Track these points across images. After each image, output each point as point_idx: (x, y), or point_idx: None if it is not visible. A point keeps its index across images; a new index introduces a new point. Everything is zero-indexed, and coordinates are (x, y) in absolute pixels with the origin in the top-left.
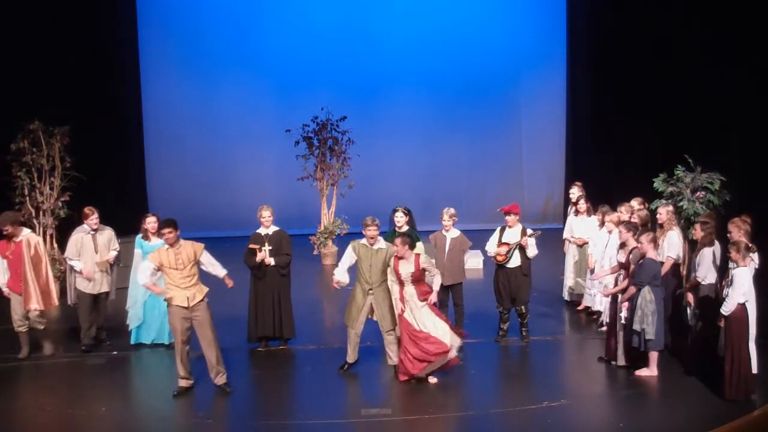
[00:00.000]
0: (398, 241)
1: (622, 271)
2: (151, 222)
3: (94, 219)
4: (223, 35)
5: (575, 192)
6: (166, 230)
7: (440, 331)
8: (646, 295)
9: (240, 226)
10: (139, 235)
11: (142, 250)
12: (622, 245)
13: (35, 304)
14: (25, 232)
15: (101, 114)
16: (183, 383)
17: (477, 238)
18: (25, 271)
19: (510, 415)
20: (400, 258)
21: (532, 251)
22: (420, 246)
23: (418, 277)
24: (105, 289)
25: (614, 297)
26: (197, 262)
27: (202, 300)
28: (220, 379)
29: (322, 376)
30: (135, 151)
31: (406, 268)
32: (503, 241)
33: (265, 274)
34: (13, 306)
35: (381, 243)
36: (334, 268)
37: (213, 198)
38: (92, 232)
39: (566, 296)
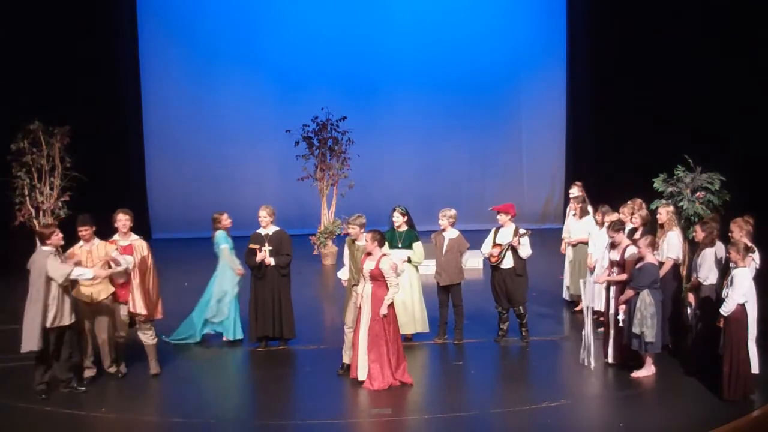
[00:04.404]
0: (368, 236)
1: (616, 268)
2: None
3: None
4: (223, 35)
5: (575, 192)
6: (83, 227)
7: (361, 360)
8: (646, 298)
9: (240, 226)
10: (222, 231)
11: (228, 245)
12: (613, 245)
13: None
14: (133, 237)
15: (101, 114)
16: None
17: (477, 239)
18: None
19: (510, 415)
20: (369, 254)
21: (525, 251)
22: (418, 245)
23: (376, 276)
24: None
25: (607, 295)
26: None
27: (106, 298)
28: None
29: (322, 376)
30: (135, 151)
31: (368, 265)
32: (497, 242)
33: (265, 274)
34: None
35: (363, 240)
36: (335, 268)
37: (213, 198)
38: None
39: (566, 296)
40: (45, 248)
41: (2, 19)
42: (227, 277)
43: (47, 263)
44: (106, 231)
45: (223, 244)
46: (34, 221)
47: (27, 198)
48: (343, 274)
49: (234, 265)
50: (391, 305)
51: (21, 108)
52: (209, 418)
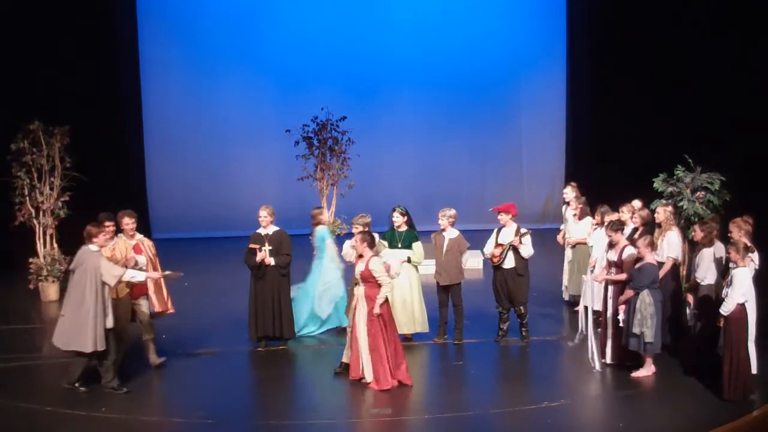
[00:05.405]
0: (357, 237)
1: (614, 269)
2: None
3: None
4: (223, 35)
5: (569, 192)
6: (110, 224)
7: (364, 361)
8: (645, 298)
9: (240, 226)
10: (323, 226)
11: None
12: (611, 245)
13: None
14: (138, 236)
15: (101, 114)
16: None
17: (477, 239)
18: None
19: (510, 415)
20: (360, 256)
21: (526, 251)
22: (418, 245)
23: (367, 277)
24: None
25: (605, 295)
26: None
27: (126, 294)
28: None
29: (322, 376)
30: (135, 151)
31: (359, 266)
32: (499, 242)
33: (265, 274)
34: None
35: None
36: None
37: (213, 198)
38: None
39: (566, 296)
40: (92, 247)
41: (2, 19)
42: (331, 270)
43: (101, 264)
44: None
45: (327, 238)
46: (34, 221)
47: (27, 198)
48: (346, 247)
49: (336, 259)
50: (387, 307)
51: (21, 108)
52: (209, 418)
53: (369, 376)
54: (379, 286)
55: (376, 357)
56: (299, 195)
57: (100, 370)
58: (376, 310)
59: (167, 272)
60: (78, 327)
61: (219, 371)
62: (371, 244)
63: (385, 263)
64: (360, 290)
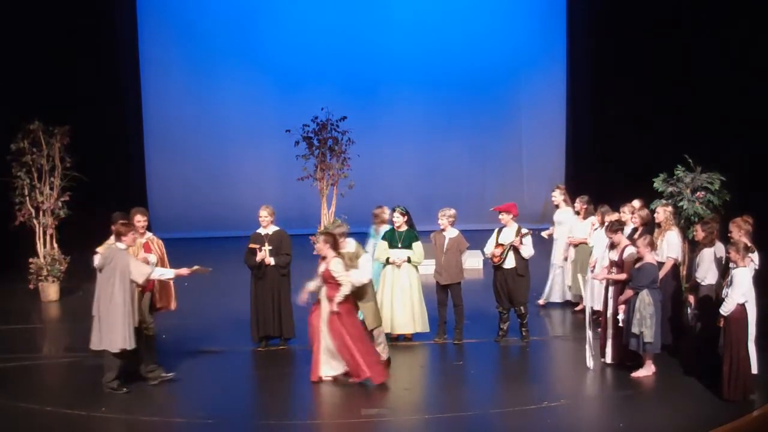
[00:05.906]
0: (321, 239)
1: (615, 268)
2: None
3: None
4: (223, 35)
5: (557, 195)
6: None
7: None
8: (645, 298)
9: (240, 226)
10: (384, 225)
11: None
12: (612, 245)
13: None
14: (148, 234)
15: (101, 114)
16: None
17: (477, 239)
18: None
19: (510, 415)
20: (324, 257)
21: (527, 251)
22: (418, 245)
23: (327, 278)
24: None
25: (606, 295)
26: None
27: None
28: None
29: None
30: (135, 151)
31: (321, 267)
32: (499, 242)
33: (265, 274)
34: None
35: (349, 245)
36: None
37: (213, 198)
38: None
39: (566, 296)
40: (120, 245)
41: (2, 19)
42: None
43: (130, 263)
44: (106, 231)
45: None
46: (34, 221)
47: (27, 198)
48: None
49: (381, 259)
50: (348, 306)
51: (21, 108)
52: (209, 418)
53: (327, 372)
54: (339, 286)
55: (345, 353)
56: (299, 195)
57: (104, 367)
58: (334, 307)
59: (196, 267)
60: (108, 326)
61: (219, 371)
62: (334, 246)
63: (343, 264)
64: (323, 291)
